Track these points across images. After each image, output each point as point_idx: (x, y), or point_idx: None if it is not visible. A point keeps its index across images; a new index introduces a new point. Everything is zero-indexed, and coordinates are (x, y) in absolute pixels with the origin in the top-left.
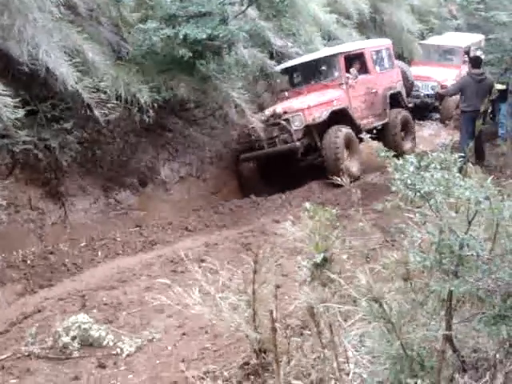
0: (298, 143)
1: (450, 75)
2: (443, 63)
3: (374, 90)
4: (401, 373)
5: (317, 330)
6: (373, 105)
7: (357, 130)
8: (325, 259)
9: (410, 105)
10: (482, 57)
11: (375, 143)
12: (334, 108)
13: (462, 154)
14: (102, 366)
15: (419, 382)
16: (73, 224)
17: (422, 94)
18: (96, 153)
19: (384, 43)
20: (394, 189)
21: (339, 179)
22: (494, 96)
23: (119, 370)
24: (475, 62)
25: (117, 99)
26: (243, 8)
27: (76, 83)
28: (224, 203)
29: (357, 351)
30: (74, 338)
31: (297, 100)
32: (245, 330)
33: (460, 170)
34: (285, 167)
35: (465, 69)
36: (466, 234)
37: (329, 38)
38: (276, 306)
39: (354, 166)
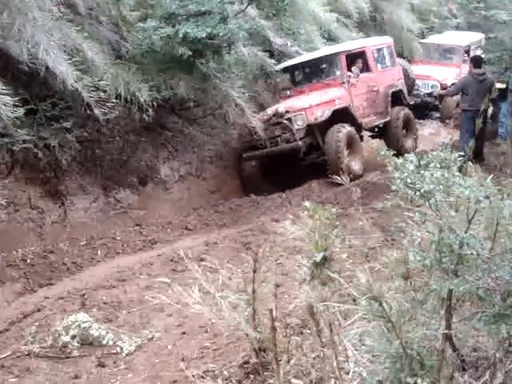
0: (300, 142)
1: (450, 74)
2: (443, 62)
3: (375, 89)
4: (401, 372)
5: (316, 328)
6: (374, 103)
7: (359, 128)
8: (324, 258)
9: (411, 103)
10: (483, 56)
11: (376, 142)
12: (335, 107)
13: (462, 153)
14: (102, 365)
15: (419, 380)
16: (72, 223)
17: (422, 93)
18: (96, 152)
19: (385, 41)
20: (393, 188)
21: (339, 178)
22: (494, 95)
23: (119, 369)
24: (476, 62)
25: (116, 98)
26: (243, 7)
27: (76, 82)
28: (224, 202)
29: (356, 350)
30: (73, 337)
31: (299, 99)
32: (244, 328)
33: (460, 168)
34: (287, 166)
35: (465, 68)
36: (465, 232)
37: (329, 36)
38: (276, 304)
39: (356, 165)
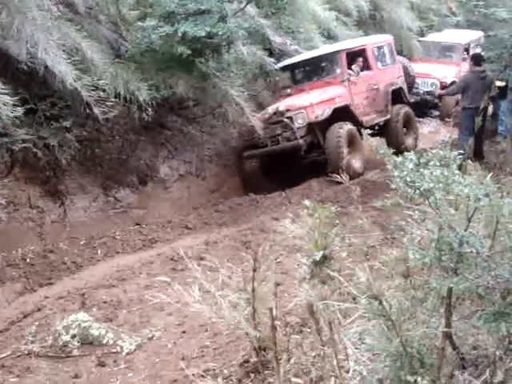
0: (301, 141)
1: (449, 72)
2: (443, 60)
3: (375, 87)
4: (401, 370)
5: (316, 327)
6: (375, 101)
7: (359, 126)
8: (324, 257)
9: (412, 100)
10: (482, 54)
11: (376, 140)
12: (336, 105)
13: (462, 151)
14: (102, 365)
15: (419, 379)
16: (72, 222)
17: (422, 91)
18: (95, 151)
19: (385, 39)
20: (393, 186)
21: (339, 176)
22: (494, 93)
23: (119, 368)
24: (476, 60)
25: (116, 97)
26: (242, 5)
27: (75, 81)
28: (223, 201)
29: (357, 349)
30: (73, 337)
31: (299, 97)
32: (245, 327)
33: (459, 167)
34: (287, 165)
35: (464, 66)
36: (465, 231)
37: (328, 35)
38: (276, 303)
39: (356, 163)
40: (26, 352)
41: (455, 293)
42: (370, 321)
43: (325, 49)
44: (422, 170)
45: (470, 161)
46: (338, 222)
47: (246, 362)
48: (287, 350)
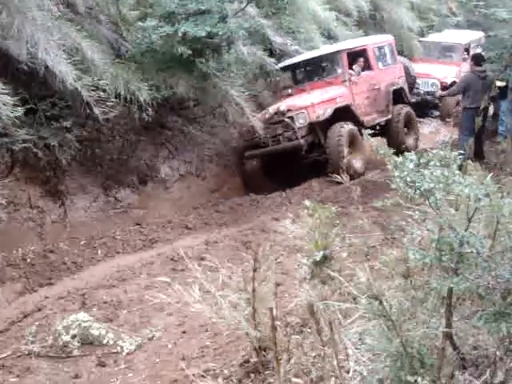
0: (302, 141)
1: (449, 72)
2: (443, 60)
3: (376, 87)
4: (401, 370)
5: (317, 327)
6: (376, 101)
7: (360, 126)
8: (324, 257)
9: (412, 101)
10: (482, 54)
11: (376, 140)
12: (337, 105)
13: (462, 152)
14: (102, 365)
15: (419, 379)
16: (72, 222)
17: (422, 92)
18: (95, 151)
19: (386, 39)
20: (393, 186)
21: (339, 176)
22: (494, 93)
23: (119, 368)
24: (477, 60)
25: (116, 97)
26: (242, 5)
27: (75, 81)
28: (224, 201)
29: (357, 349)
30: (74, 337)
31: (300, 97)
32: (245, 327)
33: (460, 167)
34: (288, 164)
35: (465, 66)
36: (465, 231)
37: (328, 35)
38: (276, 303)
39: (357, 163)
40: (26, 352)
41: (455, 293)
42: (371, 321)
43: (326, 49)
44: (422, 170)
45: (470, 161)
46: (338, 222)
47: (247, 362)
48: (287, 350)
